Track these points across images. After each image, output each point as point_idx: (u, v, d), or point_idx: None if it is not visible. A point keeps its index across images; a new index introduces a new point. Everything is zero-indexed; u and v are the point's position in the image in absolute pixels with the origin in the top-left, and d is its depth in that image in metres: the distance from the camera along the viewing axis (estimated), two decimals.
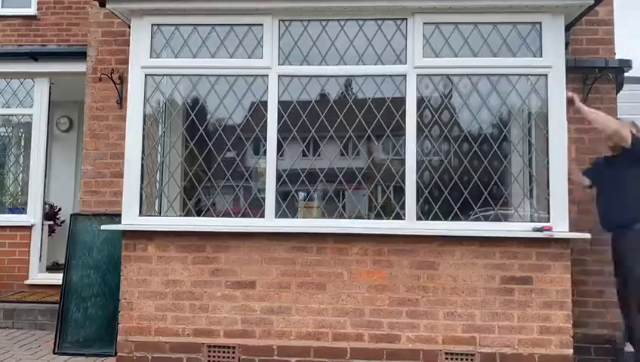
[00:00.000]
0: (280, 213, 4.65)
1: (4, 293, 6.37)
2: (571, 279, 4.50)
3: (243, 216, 5.21)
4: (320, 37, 4.75)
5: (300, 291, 4.56)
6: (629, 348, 4.90)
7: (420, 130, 4.65)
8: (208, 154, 5.54)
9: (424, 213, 4.66)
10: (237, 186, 5.42)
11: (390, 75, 4.70)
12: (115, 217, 4.89)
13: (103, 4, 4.73)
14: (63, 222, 7.47)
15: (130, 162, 4.71)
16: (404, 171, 4.60)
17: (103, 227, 4.82)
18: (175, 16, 4.79)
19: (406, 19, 4.66)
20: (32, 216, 6.68)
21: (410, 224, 4.53)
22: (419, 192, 4.60)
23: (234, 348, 4.55)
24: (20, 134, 7.35)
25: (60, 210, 7.69)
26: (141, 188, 4.72)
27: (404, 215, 4.58)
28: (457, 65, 4.67)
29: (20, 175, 7.12)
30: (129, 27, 4.90)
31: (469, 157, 4.69)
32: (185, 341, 4.58)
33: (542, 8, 4.55)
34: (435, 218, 4.62)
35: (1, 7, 7.89)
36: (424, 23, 4.57)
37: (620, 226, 4.44)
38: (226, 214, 5.30)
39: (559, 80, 4.54)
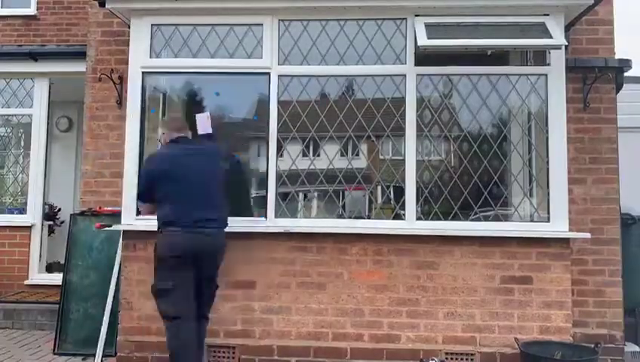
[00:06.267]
0: (280, 213, 4.65)
1: (3, 294, 6.36)
2: (571, 279, 4.51)
3: (243, 215, 5.21)
4: (320, 37, 4.75)
5: (300, 291, 4.56)
6: (629, 347, 4.91)
7: (419, 130, 4.65)
8: None
9: (424, 213, 4.66)
10: (237, 186, 5.42)
11: (390, 75, 4.70)
12: (115, 217, 4.88)
13: (102, 4, 4.73)
14: (62, 222, 7.46)
15: (130, 162, 4.70)
16: (404, 171, 4.60)
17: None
18: (175, 15, 4.79)
19: (406, 19, 4.66)
20: (32, 216, 6.67)
21: (410, 224, 4.53)
22: (419, 192, 4.60)
23: (234, 348, 4.55)
24: (19, 134, 7.34)
25: (59, 210, 7.67)
26: None
27: (404, 215, 4.58)
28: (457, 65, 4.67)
29: (20, 175, 7.11)
30: (129, 27, 4.89)
31: (468, 157, 4.69)
32: None
33: (542, 8, 4.55)
34: (435, 218, 4.62)
35: (1, 7, 7.87)
36: (425, 24, 4.56)
37: None
38: None
39: (559, 80, 4.54)
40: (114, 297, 4.83)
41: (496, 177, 4.66)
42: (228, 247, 4.59)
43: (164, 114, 5.26)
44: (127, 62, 4.89)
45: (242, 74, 4.83)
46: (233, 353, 4.55)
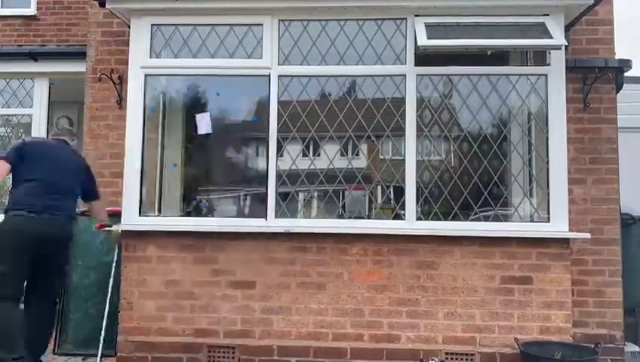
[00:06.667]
0: (280, 213, 4.65)
1: None
2: (571, 279, 4.51)
3: (243, 216, 5.22)
4: (320, 37, 4.75)
5: (300, 291, 4.56)
6: (629, 347, 4.91)
7: (419, 130, 4.65)
8: (208, 154, 5.55)
9: (424, 213, 4.66)
10: (237, 186, 5.43)
11: (390, 75, 4.70)
12: (115, 217, 4.88)
13: (102, 4, 4.73)
14: None
15: (130, 162, 4.71)
16: (404, 171, 4.60)
17: None
18: (175, 16, 4.79)
19: (406, 19, 4.66)
20: None
21: (410, 224, 4.53)
22: (419, 192, 4.60)
23: (234, 348, 4.55)
24: (19, 134, 7.33)
25: None
26: (141, 188, 4.72)
27: (404, 215, 4.58)
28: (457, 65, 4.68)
29: None
30: (129, 27, 4.89)
31: (468, 157, 4.69)
32: (185, 341, 4.58)
33: (542, 9, 4.55)
34: (435, 218, 4.62)
35: (1, 7, 7.87)
36: (425, 24, 4.55)
37: None
38: (227, 214, 5.30)
39: (559, 80, 4.55)
40: (110, 297, 4.82)
41: (496, 177, 4.66)
42: (228, 247, 4.61)
43: (164, 114, 5.26)
44: (127, 63, 4.89)
45: (242, 74, 4.83)
46: (233, 353, 4.55)
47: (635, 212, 5.36)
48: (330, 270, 4.55)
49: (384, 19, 4.72)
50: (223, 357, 4.57)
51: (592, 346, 4.24)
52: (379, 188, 5.10)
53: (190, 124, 5.23)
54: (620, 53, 5.18)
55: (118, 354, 4.63)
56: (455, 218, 4.65)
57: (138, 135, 4.72)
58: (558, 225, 4.44)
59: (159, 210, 5.02)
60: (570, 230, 4.48)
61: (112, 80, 5.29)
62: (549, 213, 4.48)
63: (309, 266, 4.56)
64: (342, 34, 4.74)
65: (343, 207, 5.11)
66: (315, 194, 5.10)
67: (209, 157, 5.54)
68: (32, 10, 7.76)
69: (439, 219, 4.61)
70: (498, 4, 4.52)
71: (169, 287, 4.61)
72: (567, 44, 4.50)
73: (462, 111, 4.82)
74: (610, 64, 4.97)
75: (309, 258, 4.57)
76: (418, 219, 4.57)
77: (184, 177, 5.48)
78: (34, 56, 6.55)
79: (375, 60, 4.72)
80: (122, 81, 5.26)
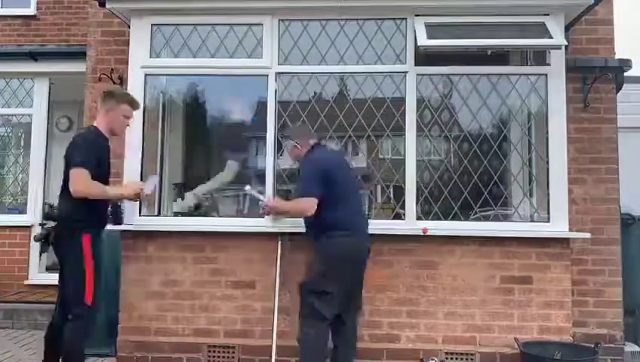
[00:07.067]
0: None
1: (3, 293, 6.36)
2: (571, 279, 4.51)
3: (243, 215, 5.22)
4: (320, 37, 4.75)
5: None
6: (629, 347, 4.91)
7: (419, 130, 4.65)
8: (208, 154, 5.55)
9: (424, 213, 4.66)
10: (237, 186, 5.43)
11: (390, 74, 4.69)
12: None
13: (102, 4, 4.73)
14: None
15: (130, 162, 4.71)
16: (404, 171, 4.59)
17: None
18: (175, 15, 4.79)
19: (406, 19, 4.66)
20: (32, 216, 6.67)
21: (410, 224, 4.52)
22: (419, 192, 4.60)
23: (234, 348, 4.55)
24: (19, 134, 7.34)
25: None
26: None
27: (403, 215, 4.58)
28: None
29: (20, 175, 7.11)
30: (129, 27, 4.89)
31: (468, 157, 4.69)
32: (185, 341, 4.57)
33: (542, 8, 4.55)
34: (435, 218, 4.62)
35: (1, 7, 7.88)
36: (425, 24, 4.55)
37: None
38: (226, 214, 5.30)
39: (559, 80, 4.54)
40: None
41: (496, 177, 4.66)
42: (228, 247, 4.61)
43: (164, 114, 5.26)
44: (127, 62, 4.89)
45: (242, 74, 4.82)
46: (233, 353, 4.55)
47: (635, 212, 5.36)
48: None
49: (384, 19, 4.71)
50: (223, 357, 4.57)
51: (592, 346, 4.24)
52: (379, 187, 5.10)
53: (190, 124, 5.24)
54: (619, 53, 5.19)
55: (118, 354, 4.63)
56: (455, 218, 4.65)
57: (138, 135, 4.71)
58: (558, 225, 4.44)
59: (159, 210, 5.02)
60: (570, 230, 4.48)
61: (112, 80, 5.29)
62: (549, 213, 4.48)
63: None
64: (342, 34, 4.74)
65: None
66: None
67: (209, 156, 5.54)
68: (31, 10, 7.76)
69: (439, 219, 4.61)
70: (498, 3, 4.52)
71: (169, 287, 4.61)
72: (567, 43, 4.50)
73: (462, 111, 4.82)
74: (610, 64, 4.96)
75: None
76: (418, 218, 4.56)
77: (184, 177, 5.49)
78: (34, 56, 6.56)
79: (375, 60, 4.72)
80: (122, 80, 5.25)
